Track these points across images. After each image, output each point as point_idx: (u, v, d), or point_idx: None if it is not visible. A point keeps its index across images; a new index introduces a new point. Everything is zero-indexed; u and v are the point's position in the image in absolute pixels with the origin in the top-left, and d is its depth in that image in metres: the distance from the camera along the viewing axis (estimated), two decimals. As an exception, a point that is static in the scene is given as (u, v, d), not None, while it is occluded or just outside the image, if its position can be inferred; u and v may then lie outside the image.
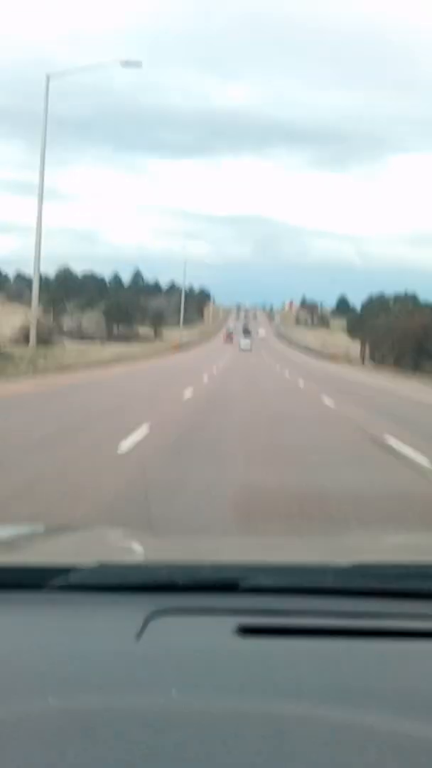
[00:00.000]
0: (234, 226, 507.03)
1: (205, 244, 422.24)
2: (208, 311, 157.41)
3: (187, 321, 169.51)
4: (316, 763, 0.90)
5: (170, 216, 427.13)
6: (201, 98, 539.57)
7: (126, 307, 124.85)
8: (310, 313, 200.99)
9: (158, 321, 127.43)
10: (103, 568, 1.45)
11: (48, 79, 29.45)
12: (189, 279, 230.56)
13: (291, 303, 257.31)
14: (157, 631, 1.26)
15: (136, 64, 29.53)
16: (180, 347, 68.43)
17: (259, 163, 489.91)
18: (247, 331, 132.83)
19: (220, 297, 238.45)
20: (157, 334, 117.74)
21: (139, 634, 1.23)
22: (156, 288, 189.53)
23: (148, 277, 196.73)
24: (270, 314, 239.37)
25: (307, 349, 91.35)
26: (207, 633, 1.29)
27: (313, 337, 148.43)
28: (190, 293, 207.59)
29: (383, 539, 2.66)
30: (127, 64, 29.32)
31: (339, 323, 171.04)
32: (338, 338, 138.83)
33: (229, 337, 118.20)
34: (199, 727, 0.98)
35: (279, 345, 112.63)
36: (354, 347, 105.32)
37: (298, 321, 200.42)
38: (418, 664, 1.21)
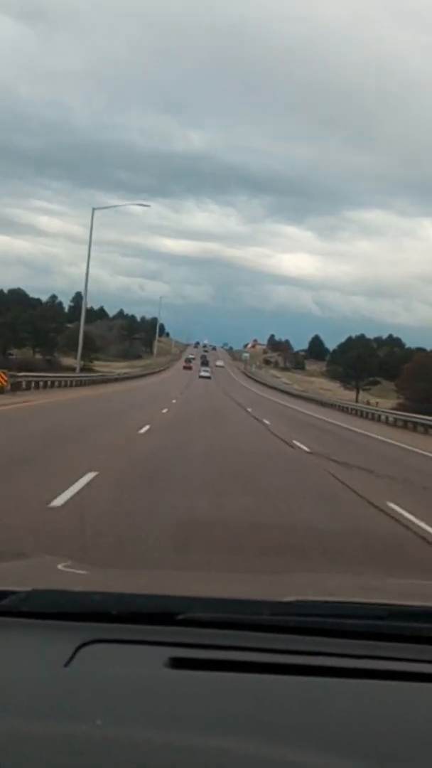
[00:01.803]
0: (194, 268, 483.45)
1: (163, 284, 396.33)
2: (156, 344, 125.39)
3: (132, 354, 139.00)
4: None
5: (129, 254, 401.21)
6: (161, 140, 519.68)
7: (45, 330, 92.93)
8: (281, 353, 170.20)
9: (88, 349, 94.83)
10: (36, 594, 1.41)
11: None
12: (145, 315, 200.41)
13: (255, 341, 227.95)
14: (87, 660, 1.23)
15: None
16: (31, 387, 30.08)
17: (219, 208, 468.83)
18: (205, 362, 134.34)
19: (179, 336, 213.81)
20: (86, 366, 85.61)
21: (68, 662, 1.21)
22: (100, 315, 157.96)
23: (96, 305, 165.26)
24: (231, 352, 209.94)
25: (335, 406, 48.20)
26: (137, 663, 1.26)
27: (287, 379, 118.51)
28: (140, 324, 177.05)
29: (329, 578, 2.35)
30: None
31: (316, 367, 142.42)
32: (323, 383, 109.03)
33: (188, 365, 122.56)
34: (118, 757, 0.96)
35: (275, 398, 57.08)
36: (348, 394, 77.07)
37: (267, 362, 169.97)
38: (346, 702, 1.18)
